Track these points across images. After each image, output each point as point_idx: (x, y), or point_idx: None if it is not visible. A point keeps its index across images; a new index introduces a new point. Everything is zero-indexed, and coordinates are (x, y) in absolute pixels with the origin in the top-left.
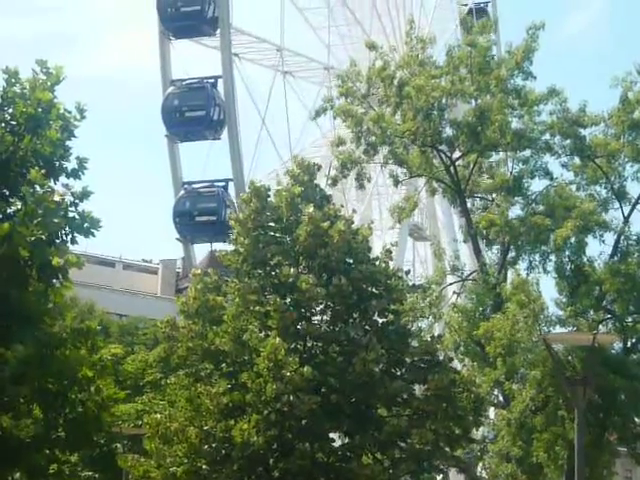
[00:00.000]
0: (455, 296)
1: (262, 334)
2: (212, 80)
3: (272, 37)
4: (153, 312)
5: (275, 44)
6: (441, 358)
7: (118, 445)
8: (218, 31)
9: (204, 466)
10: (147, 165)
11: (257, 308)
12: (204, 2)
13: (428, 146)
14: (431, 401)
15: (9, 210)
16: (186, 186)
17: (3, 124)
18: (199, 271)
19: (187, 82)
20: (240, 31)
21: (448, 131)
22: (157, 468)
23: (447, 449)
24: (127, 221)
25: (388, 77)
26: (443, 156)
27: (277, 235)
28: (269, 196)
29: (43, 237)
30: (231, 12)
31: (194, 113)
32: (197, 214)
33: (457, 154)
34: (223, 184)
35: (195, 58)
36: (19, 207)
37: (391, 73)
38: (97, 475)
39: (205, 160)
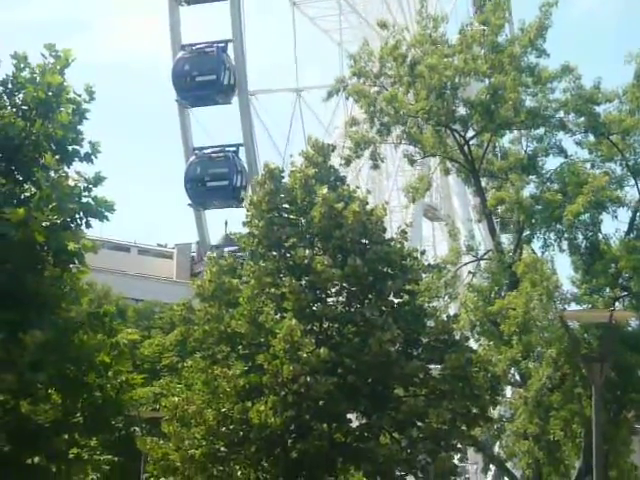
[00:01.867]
0: (470, 276)
1: (278, 316)
2: (234, 148)
3: (287, 73)
4: (169, 296)
5: (291, 88)
6: (457, 337)
7: (136, 428)
8: (235, 98)
9: (222, 448)
10: (161, 150)
11: (272, 290)
12: (219, 70)
13: (442, 125)
14: (448, 380)
15: (23, 195)
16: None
17: (14, 109)
18: (214, 254)
19: (210, 151)
20: (256, 92)
21: (461, 110)
22: (176, 450)
23: (464, 428)
24: (141, 206)
25: (400, 56)
26: (457, 135)
27: (291, 217)
28: (283, 178)
29: (58, 222)
30: (248, 73)
31: (217, 183)
32: None
33: (471, 133)
34: None
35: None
36: (33, 192)
37: (403, 52)
38: (116, 458)
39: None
